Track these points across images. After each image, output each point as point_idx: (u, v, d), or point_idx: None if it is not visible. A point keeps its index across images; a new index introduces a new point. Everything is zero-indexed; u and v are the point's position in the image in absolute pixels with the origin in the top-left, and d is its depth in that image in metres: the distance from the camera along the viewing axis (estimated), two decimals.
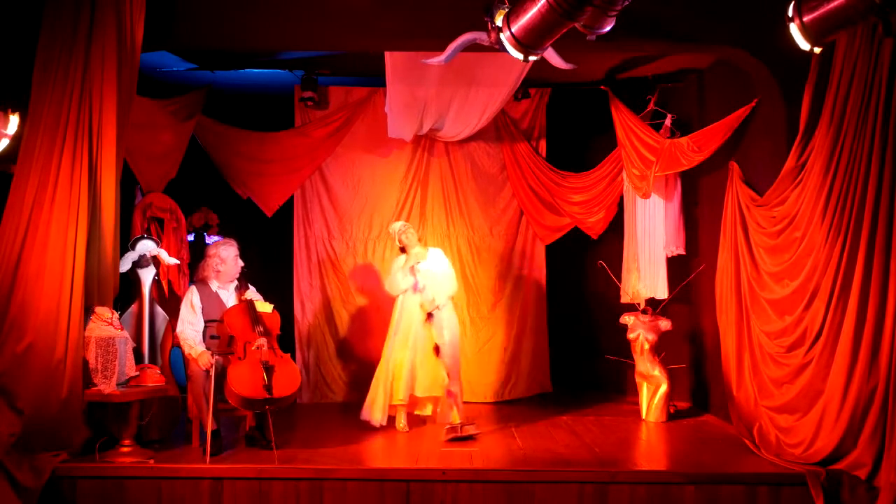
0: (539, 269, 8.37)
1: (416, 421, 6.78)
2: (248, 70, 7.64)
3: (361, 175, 8.20)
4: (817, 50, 4.31)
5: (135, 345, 5.92)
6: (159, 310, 6.39)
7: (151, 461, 5.44)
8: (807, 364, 5.40)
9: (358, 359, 8.14)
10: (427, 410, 6.78)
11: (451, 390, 6.40)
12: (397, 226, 6.92)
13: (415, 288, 6.61)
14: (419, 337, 6.59)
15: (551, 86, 8.19)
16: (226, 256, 6.09)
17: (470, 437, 6.16)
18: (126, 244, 6.33)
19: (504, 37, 4.46)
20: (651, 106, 7.65)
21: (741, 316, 6.18)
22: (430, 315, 6.50)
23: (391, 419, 6.64)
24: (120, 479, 5.27)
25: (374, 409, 6.59)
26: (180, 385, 6.21)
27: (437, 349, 6.44)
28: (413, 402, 6.71)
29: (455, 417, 6.40)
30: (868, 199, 4.97)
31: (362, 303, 8.16)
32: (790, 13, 4.23)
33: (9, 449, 5.17)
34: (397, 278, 6.71)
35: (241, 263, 6.15)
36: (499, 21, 4.46)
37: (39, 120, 5.57)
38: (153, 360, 6.21)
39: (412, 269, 6.62)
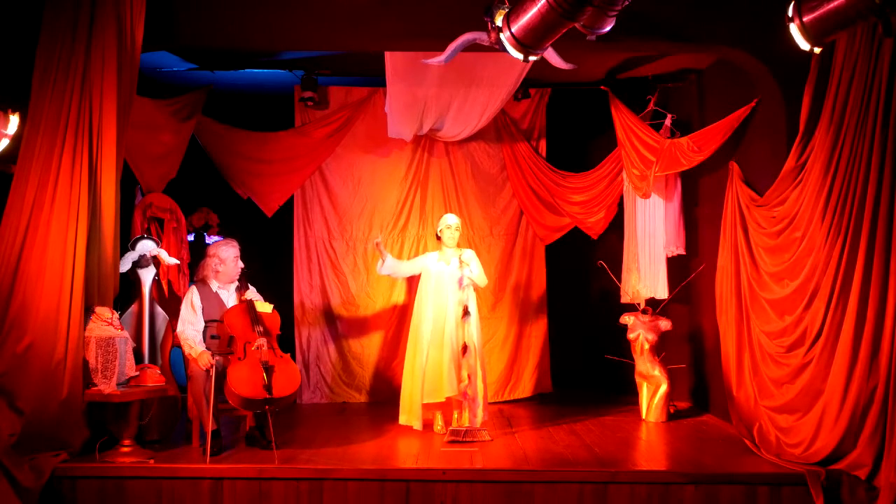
0: (539, 269, 8.38)
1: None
2: (248, 70, 7.64)
3: (361, 175, 8.20)
4: (817, 50, 4.31)
5: (135, 345, 5.93)
6: (159, 310, 6.39)
7: (151, 461, 5.44)
8: (807, 364, 5.40)
9: (359, 359, 8.15)
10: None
11: (467, 392, 6.34)
12: (454, 222, 6.73)
13: (460, 283, 6.47)
14: (452, 336, 6.47)
15: (551, 86, 8.19)
16: (225, 257, 6.09)
17: (471, 442, 6.14)
18: (126, 244, 6.33)
19: (504, 37, 4.45)
20: (651, 106, 7.65)
21: (741, 316, 6.18)
22: (466, 312, 6.39)
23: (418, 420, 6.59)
24: (120, 479, 5.27)
25: (412, 414, 6.58)
26: (180, 385, 6.21)
27: (465, 349, 6.34)
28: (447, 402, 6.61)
29: (465, 421, 6.35)
30: (868, 199, 4.96)
31: (362, 302, 8.16)
32: (790, 13, 4.23)
33: (9, 449, 5.17)
34: (441, 270, 6.62)
35: (241, 265, 6.13)
36: (499, 21, 4.45)
37: (39, 120, 5.57)
38: (153, 360, 6.21)
39: (460, 263, 6.47)
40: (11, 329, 5.41)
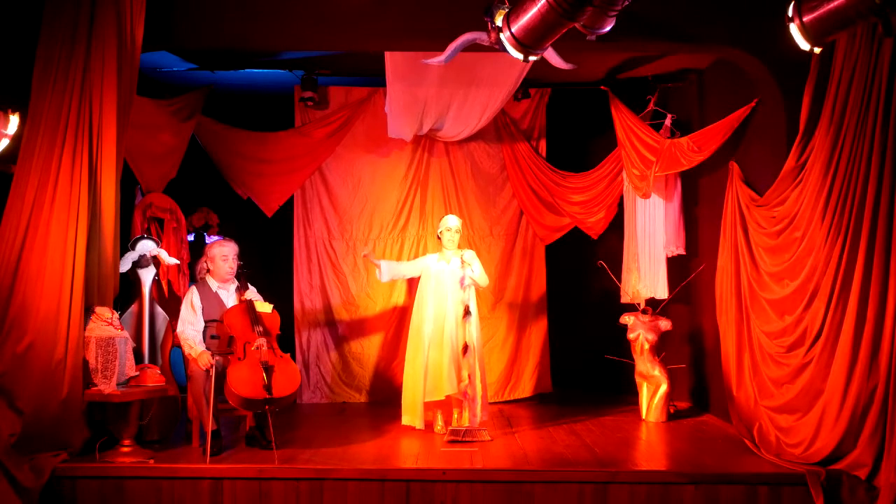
0: (539, 269, 8.37)
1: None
2: (248, 70, 7.64)
3: (361, 175, 8.20)
4: (817, 50, 4.31)
5: (135, 345, 5.93)
6: (159, 310, 6.39)
7: (151, 461, 5.44)
8: (807, 364, 5.40)
9: (359, 359, 8.15)
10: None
11: (467, 392, 6.32)
12: (455, 224, 6.75)
13: (462, 283, 6.45)
14: (452, 336, 6.49)
15: (551, 86, 8.19)
16: (214, 255, 6.08)
17: (471, 442, 6.14)
18: (126, 244, 6.33)
19: (504, 37, 4.46)
20: (651, 106, 7.66)
21: (741, 316, 6.18)
22: (468, 311, 6.38)
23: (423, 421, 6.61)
24: (120, 479, 5.27)
25: (414, 414, 6.59)
26: (180, 385, 6.21)
27: (465, 348, 6.34)
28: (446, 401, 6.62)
29: (465, 420, 6.34)
30: (868, 199, 4.96)
31: (362, 303, 8.16)
32: (790, 13, 4.23)
33: (9, 449, 5.17)
34: (443, 271, 6.65)
35: (234, 263, 6.10)
36: (499, 21, 4.46)
37: (39, 120, 5.57)
38: (153, 360, 6.21)
39: (462, 263, 6.45)
40: (11, 329, 5.41)
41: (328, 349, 8.15)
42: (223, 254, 6.08)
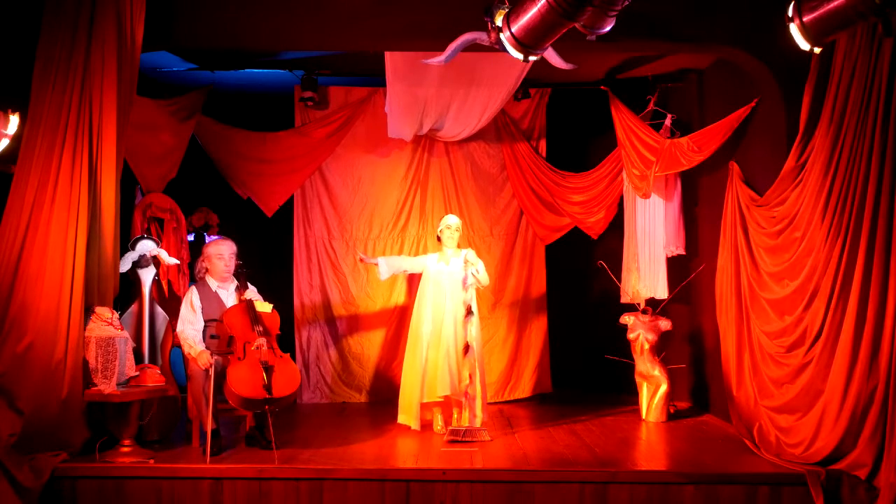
0: (539, 269, 8.37)
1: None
2: (248, 70, 7.65)
3: (361, 175, 8.20)
4: (817, 50, 4.31)
5: (135, 345, 5.93)
6: (159, 310, 6.39)
7: (151, 461, 5.44)
8: (807, 364, 5.40)
9: (359, 359, 8.15)
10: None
11: (468, 392, 6.32)
12: (454, 222, 6.77)
13: (464, 283, 6.44)
14: (450, 337, 6.50)
15: (551, 86, 8.19)
16: (210, 254, 6.09)
17: (471, 442, 6.13)
18: (126, 244, 6.33)
19: (504, 37, 4.46)
20: (651, 106, 7.66)
21: (741, 316, 6.18)
22: (469, 311, 6.38)
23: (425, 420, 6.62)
24: (120, 479, 5.27)
25: (410, 414, 6.60)
26: (180, 385, 6.21)
27: (466, 348, 6.34)
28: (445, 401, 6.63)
29: (465, 420, 6.33)
30: (868, 199, 4.96)
31: (362, 302, 8.16)
32: (790, 13, 4.24)
33: (9, 449, 5.17)
34: (444, 270, 6.65)
35: (230, 262, 6.09)
36: (499, 21, 4.46)
37: (39, 120, 5.57)
38: (153, 360, 6.21)
39: (465, 263, 6.44)
40: (11, 329, 5.41)
41: (328, 349, 8.15)
42: (218, 252, 6.08)
